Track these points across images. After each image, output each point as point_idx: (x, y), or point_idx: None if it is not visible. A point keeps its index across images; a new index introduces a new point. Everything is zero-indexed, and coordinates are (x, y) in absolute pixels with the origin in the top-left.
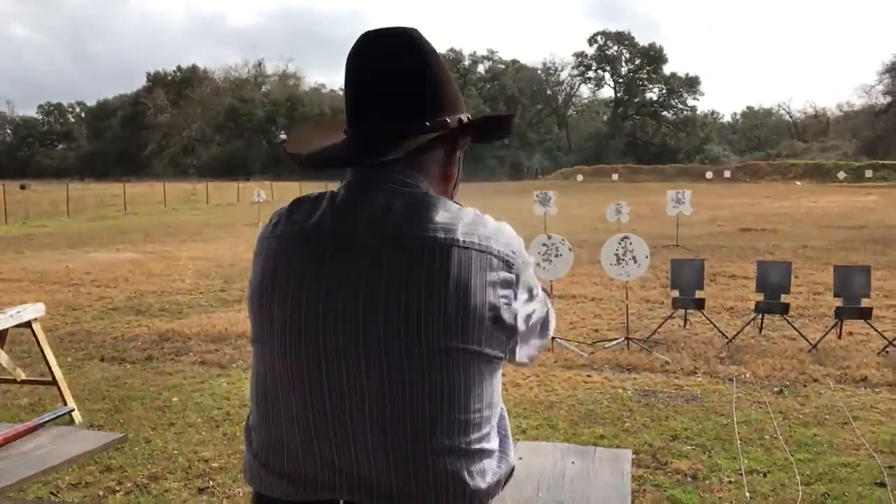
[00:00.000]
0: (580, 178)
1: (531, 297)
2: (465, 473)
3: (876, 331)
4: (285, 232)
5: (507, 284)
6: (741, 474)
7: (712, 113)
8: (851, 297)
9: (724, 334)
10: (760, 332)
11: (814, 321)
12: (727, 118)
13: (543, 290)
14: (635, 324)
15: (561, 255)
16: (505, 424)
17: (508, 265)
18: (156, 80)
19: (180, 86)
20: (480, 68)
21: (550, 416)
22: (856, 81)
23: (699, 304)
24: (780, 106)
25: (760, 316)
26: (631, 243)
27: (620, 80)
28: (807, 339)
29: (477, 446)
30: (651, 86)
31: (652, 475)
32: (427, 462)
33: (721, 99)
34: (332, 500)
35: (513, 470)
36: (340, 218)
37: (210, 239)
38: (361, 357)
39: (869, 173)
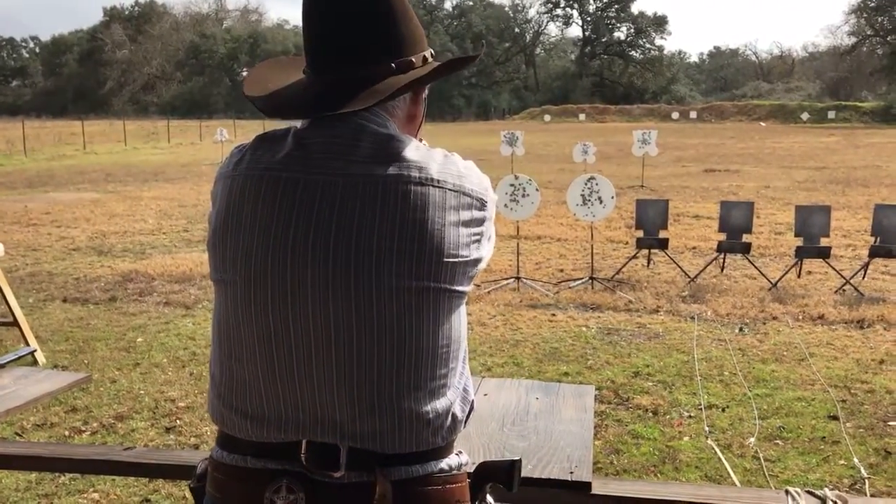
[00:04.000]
0: (547, 118)
1: (493, 234)
2: (430, 411)
3: (834, 269)
4: (249, 169)
5: (479, 223)
6: (701, 409)
7: (679, 53)
8: (811, 236)
9: (686, 273)
10: (722, 271)
11: (774, 260)
12: (694, 58)
13: None
14: (600, 263)
15: (528, 195)
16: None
17: (482, 204)
18: (112, 15)
19: (139, 21)
20: (448, 4)
21: (515, 353)
22: (822, 22)
23: (663, 244)
24: (746, 46)
25: (723, 255)
26: (597, 184)
27: (588, 19)
28: (767, 278)
29: (442, 382)
30: (619, 25)
31: (614, 411)
32: (391, 401)
33: (688, 39)
34: (297, 441)
35: (473, 404)
36: (307, 156)
37: (172, 178)
38: (329, 297)
39: (832, 114)
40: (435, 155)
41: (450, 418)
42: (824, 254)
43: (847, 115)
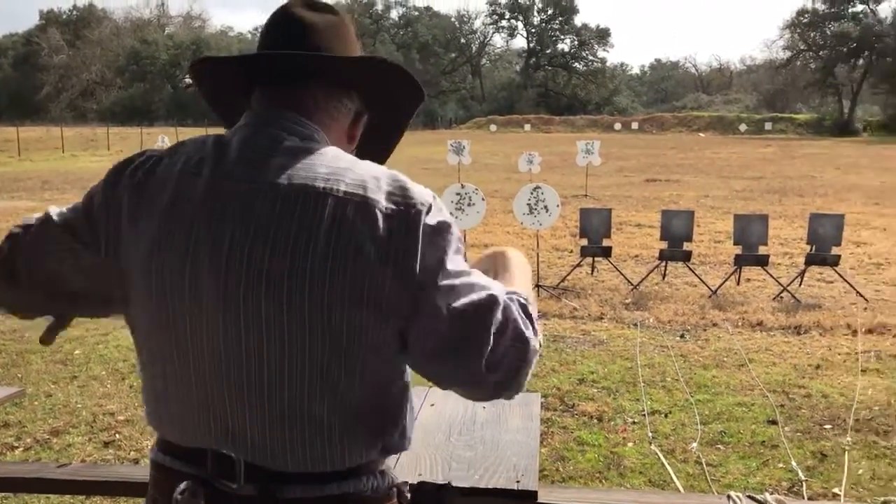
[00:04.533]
0: (493, 127)
1: (449, 274)
2: (327, 445)
3: (772, 277)
4: (164, 175)
5: (396, 245)
6: (644, 415)
7: (622, 65)
8: (750, 245)
9: (629, 281)
10: (664, 278)
11: (714, 268)
12: (636, 70)
13: (518, 297)
14: (545, 271)
15: (474, 204)
16: (401, 414)
17: (402, 221)
18: (49, 19)
19: (77, 25)
20: (394, 14)
21: None
22: (759, 36)
23: (606, 252)
24: (686, 59)
25: (664, 263)
26: (543, 193)
27: (533, 31)
28: (707, 286)
29: (338, 421)
30: (563, 36)
31: (560, 417)
32: (282, 419)
33: (630, 51)
34: (205, 448)
35: (403, 433)
36: (219, 162)
37: None
38: (220, 307)
39: (768, 126)
40: (357, 168)
41: (349, 449)
42: (762, 262)
43: (783, 127)
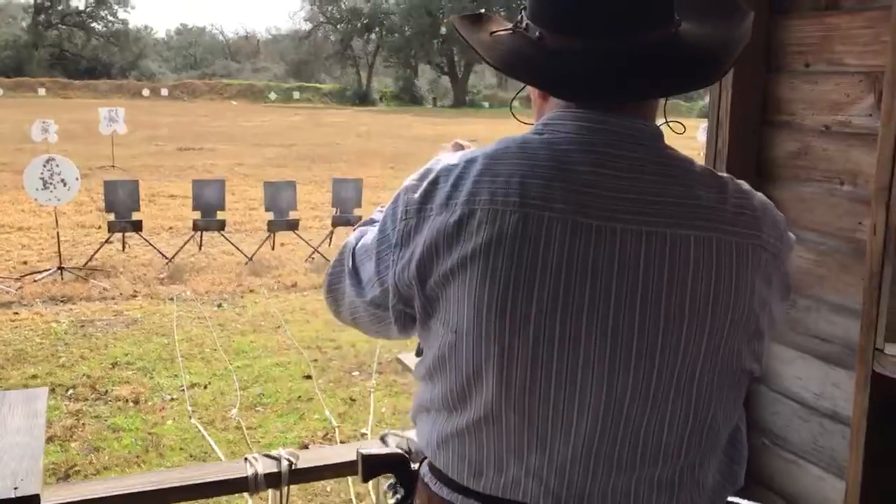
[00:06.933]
0: (0, 91)
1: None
2: None
3: (303, 240)
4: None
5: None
6: (183, 390)
7: (146, 28)
8: (281, 210)
9: (164, 255)
10: (200, 249)
11: (250, 235)
12: (161, 35)
13: None
14: (70, 251)
15: None
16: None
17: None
18: None
19: None
20: None
21: None
22: (284, 7)
23: (136, 226)
24: (212, 25)
25: (199, 234)
26: (58, 165)
27: None
28: (244, 253)
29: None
30: None
31: (91, 407)
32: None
33: (153, 15)
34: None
35: None
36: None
37: None
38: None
39: (297, 94)
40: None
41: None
42: (293, 226)
43: (310, 96)
